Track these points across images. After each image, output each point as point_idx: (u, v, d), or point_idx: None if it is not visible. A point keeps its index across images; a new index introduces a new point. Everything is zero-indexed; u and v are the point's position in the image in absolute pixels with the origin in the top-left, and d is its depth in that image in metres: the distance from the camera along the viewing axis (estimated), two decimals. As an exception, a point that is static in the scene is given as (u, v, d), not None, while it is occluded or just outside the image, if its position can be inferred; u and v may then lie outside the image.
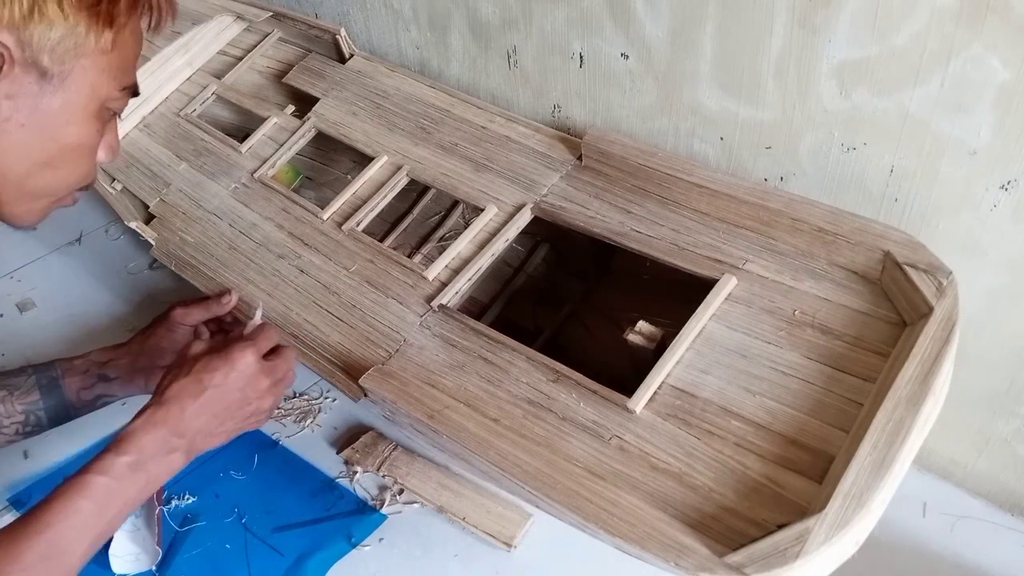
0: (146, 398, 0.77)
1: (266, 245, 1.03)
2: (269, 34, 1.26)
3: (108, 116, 0.71)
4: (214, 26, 1.27)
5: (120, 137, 0.73)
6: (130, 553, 0.94)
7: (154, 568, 0.92)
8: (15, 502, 1.00)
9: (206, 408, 0.74)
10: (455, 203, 1.16)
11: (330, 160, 1.26)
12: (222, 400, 0.75)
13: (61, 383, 0.90)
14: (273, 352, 0.80)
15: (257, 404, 0.78)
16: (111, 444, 0.71)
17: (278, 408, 1.07)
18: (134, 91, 0.71)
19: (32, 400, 0.89)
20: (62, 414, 0.91)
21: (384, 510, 0.96)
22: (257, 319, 0.83)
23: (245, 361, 0.76)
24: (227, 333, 0.90)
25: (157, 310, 0.94)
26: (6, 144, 0.65)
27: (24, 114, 0.64)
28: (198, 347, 0.79)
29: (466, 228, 0.96)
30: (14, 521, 0.68)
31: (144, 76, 1.22)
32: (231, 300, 0.89)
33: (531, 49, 1.04)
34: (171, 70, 1.25)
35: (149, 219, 1.13)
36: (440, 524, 0.95)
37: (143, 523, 0.97)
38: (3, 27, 0.61)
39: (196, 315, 0.90)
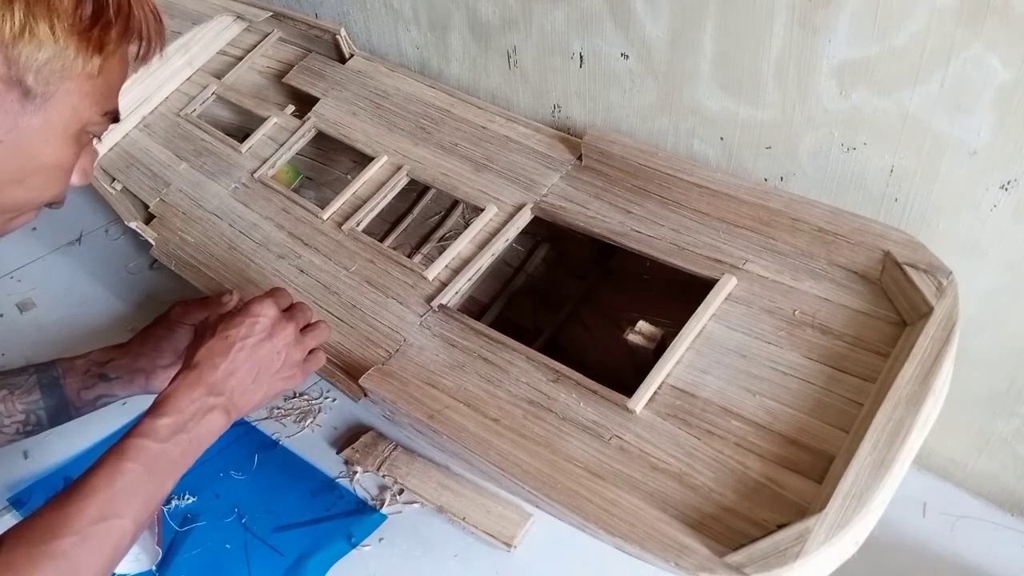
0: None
1: (266, 245, 1.03)
2: (269, 34, 1.26)
3: (87, 140, 0.70)
4: (214, 26, 1.27)
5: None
6: (130, 553, 0.94)
7: (154, 568, 0.92)
8: (15, 502, 1.00)
9: (238, 363, 0.75)
10: (455, 203, 1.16)
11: (330, 160, 1.26)
12: (252, 353, 0.75)
13: (62, 383, 0.90)
14: (291, 309, 0.81)
15: (288, 354, 0.78)
16: (149, 410, 0.72)
17: (278, 408, 1.08)
18: (115, 117, 0.71)
19: (33, 399, 0.89)
20: (63, 414, 0.91)
21: (384, 510, 0.96)
22: (232, 302, 0.87)
23: (264, 310, 0.77)
24: None
25: (157, 310, 0.94)
26: None
27: (2, 131, 0.63)
28: (217, 314, 0.80)
29: (466, 228, 0.96)
30: (60, 491, 0.68)
31: (144, 76, 1.22)
32: (232, 300, 0.89)
33: (531, 49, 1.04)
34: (171, 70, 1.25)
35: (149, 219, 1.13)
36: (440, 524, 0.95)
37: (143, 523, 0.97)
38: None
39: (197, 314, 0.90)
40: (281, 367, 0.78)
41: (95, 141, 0.72)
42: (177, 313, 0.90)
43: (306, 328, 0.81)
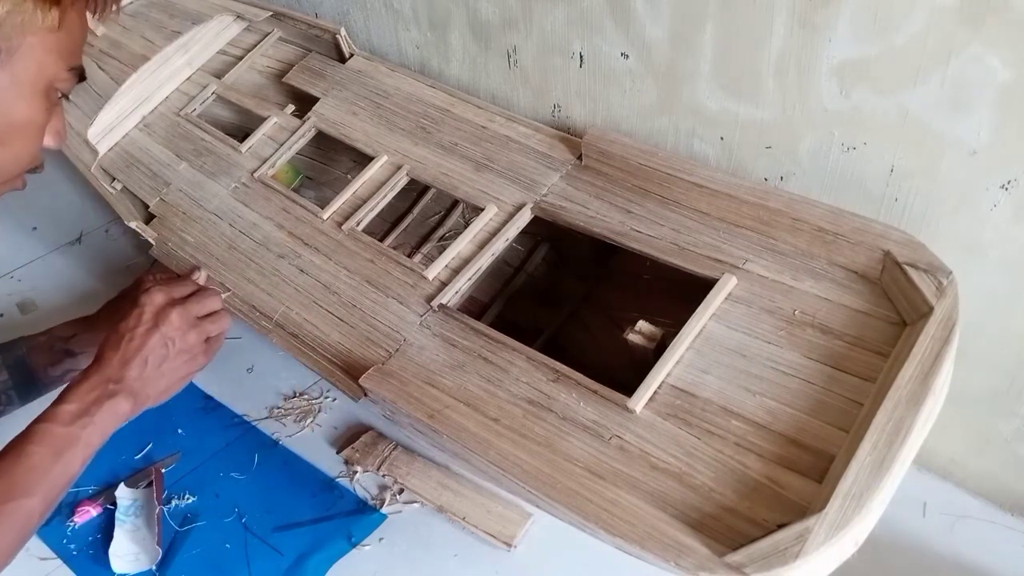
0: None
1: (266, 245, 1.03)
2: (269, 34, 1.26)
3: (55, 98, 0.72)
4: (214, 26, 1.27)
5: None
6: (130, 553, 0.94)
7: (154, 568, 0.93)
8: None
9: (129, 352, 0.78)
10: (455, 203, 1.16)
11: (330, 160, 1.26)
12: (142, 342, 0.79)
13: (28, 361, 0.91)
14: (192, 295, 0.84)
15: (180, 339, 0.80)
16: (54, 401, 0.76)
17: (278, 408, 1.08)
18: (81, 74, 0.72)
19: (1, 380, 0.90)
20: (32, 391, 0.92)
21: (384, 510, 0.96)
22: (201, 279, 0.90)
23: (148, 299, 0.80)
24: None
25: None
26: None
27: None
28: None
29: (466, 228, 0.96)
30: None
31: (144, 76, 1.22)
32: (200, 276, 0.91)
33: (531, 49, 1.04)
34: (171, 70, 1.25)
35: (149, 219, 1.13)
36: (440, 524, 0.95)
37: (143, 523, 0.97)
38: None
39: None
40: (177, 352, 0.80)
41: (64, 100, 0.74)
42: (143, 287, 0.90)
43: (208, 315, 0.84)
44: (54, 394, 0.78)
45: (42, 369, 0.91)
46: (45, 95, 0.70)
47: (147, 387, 0.79)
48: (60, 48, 0.68)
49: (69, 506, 0.99)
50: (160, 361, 0.79)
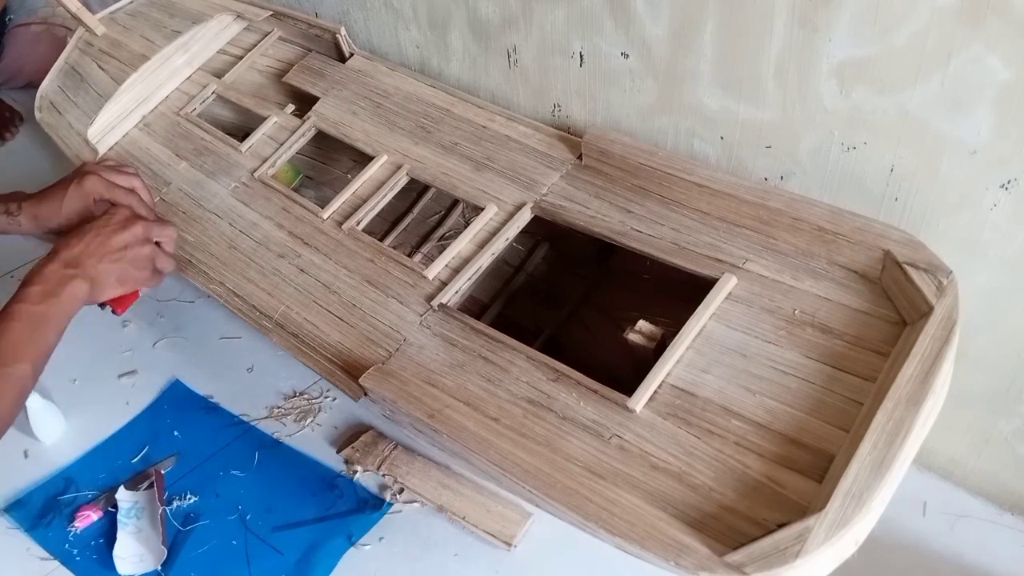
0: None
1: (266, 244, 1.03)
2: (269, 33, 1.26)
3: None
4: (214, 25, 1.27)
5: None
6: (135, 554, 0.94)
7: (159, 568, 0.93)
8: (16, 505, 1.01)
9: (92, 245, 0.89)
10: (455, 202, 1.16)
11: (330, 159, 1.26)
12: (105, 239, 0.90)
13: None
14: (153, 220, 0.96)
15: (137, 249, 0.92)
16: (21, 284, 0.86)
17: (278, 407, 1.08)
18: None
19: None
20: None
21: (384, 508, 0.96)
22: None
23: (119, 211, 0.93)
24: None
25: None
26: None
27: None
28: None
29: (466, 227, 0.96)
30: None
31: (144, 75, 1.22)
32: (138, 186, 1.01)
33: (531, 48, 1.04)
34: (171, 69, 1.25)
35: (149, 218, 1.13)
36: (440, 523, 0.95)
37: (146, 524, 0.97)
38: None
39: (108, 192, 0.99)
40: (132, 258, 0.92)
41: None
42: (91, 183, 0.99)
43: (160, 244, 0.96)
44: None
45: None
46: None
47: (100, 277, 0.89)
48: None
49: (69, 511, 0.99)
50: (114, 260, 0.90)
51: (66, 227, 0.99)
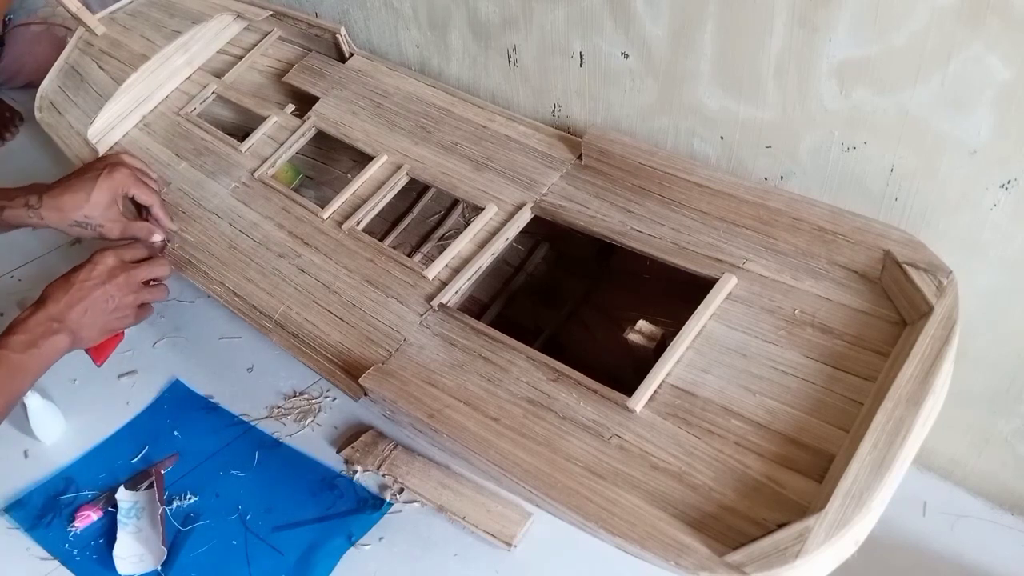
0: None
1: (266, 244, 1.03)
2: (269, 33, 1.26)
3: None
4: (214, 25, 1.27)
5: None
6: (135, 554, 0.94)
7: (159, 568, 0.93)
8: (16, 505, 1.01)
9: (75, 299, 0.92)
10: (455, 202, 1.16)
11: (330, 159, 1.26)
12: (88, 292, 0.92)
13: None
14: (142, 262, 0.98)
15: (120, 298, 0.94)
16: (4, 332, 0.90)
17: (278, 407, 1.08)
18: None
19: None
20: None
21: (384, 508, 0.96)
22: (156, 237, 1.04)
23: (104, 260, 0.95)
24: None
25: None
26: None
27: None
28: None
29: (466, 227, 0.96)
30: None
31: (144, 75, 1.22)
32: (156, 238, 1.04)
33: (531, 48, 1.04)
34: (171, 69, 1.25)
35: (149, 218, 1.13)
36: (440, 523, 0.95)
37: (146, 524, 0.97)
38: None
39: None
40: (115, 308, 0.94)
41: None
42: (121, 176, 1.03)
43: (150, 283, 0.98)
44: None
45: None
46: None
47: (82, 331, 0.92)
48: None
49: (69, 511, 0.99)
50: (98, 313, 0.93)
51: (91, 218, 1.02)
